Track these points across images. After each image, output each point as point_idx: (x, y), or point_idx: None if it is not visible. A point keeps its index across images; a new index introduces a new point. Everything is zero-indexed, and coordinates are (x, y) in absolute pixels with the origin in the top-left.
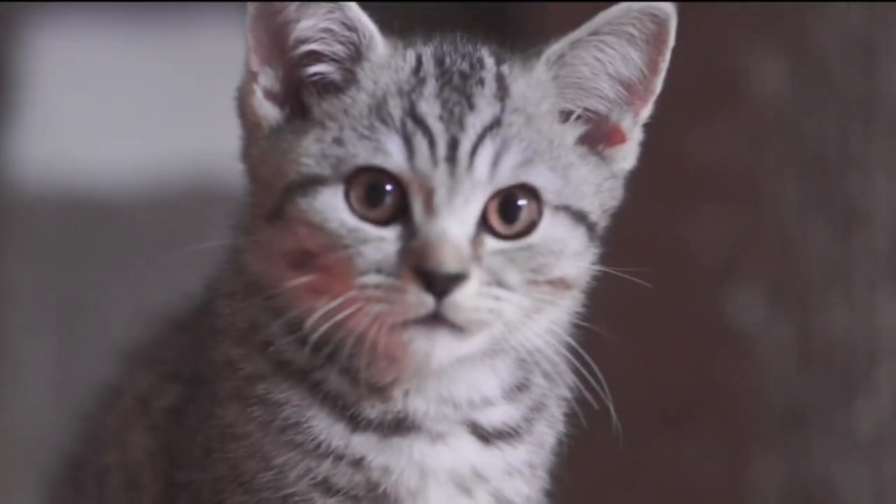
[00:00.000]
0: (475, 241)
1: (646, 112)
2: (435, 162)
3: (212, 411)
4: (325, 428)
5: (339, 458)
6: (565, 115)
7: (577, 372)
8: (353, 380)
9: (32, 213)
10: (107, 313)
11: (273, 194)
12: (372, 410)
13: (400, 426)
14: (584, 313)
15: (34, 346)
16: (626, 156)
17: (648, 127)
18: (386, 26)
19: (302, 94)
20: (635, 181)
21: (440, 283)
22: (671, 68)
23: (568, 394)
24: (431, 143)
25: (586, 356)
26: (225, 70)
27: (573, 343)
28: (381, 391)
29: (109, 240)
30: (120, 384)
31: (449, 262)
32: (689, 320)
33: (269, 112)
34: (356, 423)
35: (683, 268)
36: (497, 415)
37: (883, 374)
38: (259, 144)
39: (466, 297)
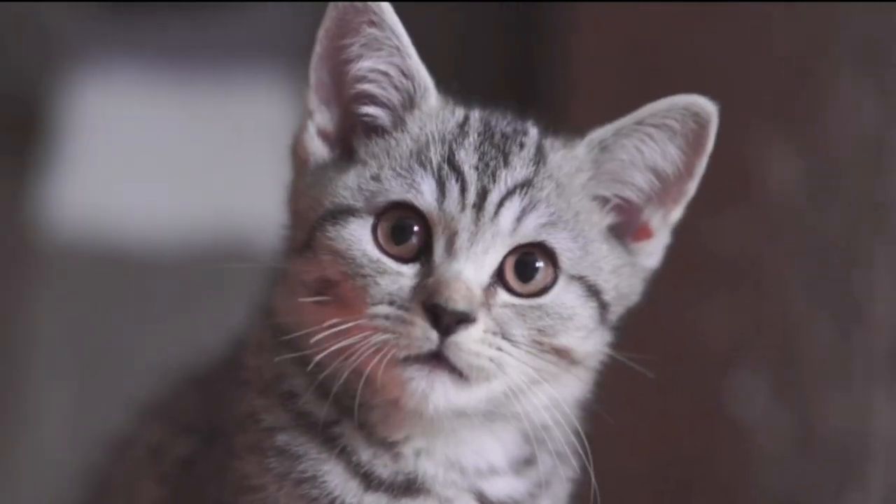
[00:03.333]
0: (488, 290)
1: (676, 214)
2: (463, 206)
3: (228, 464)
4: (340, 483)
5: None
6: (599, 202)
7: (579, 453)
8: (369, 435)
9: (62, 259)
10: (128, 364)
11: (306, 226)
12: (384, 469)
13: (410, 488)
14: (592, 398)
15: (54, 391)
16: (651, 253)
17: None
18: (443, 84)
19: (352, 139)
20: None
21: (446, 319)
22: None
23: (574, 475)
24: (463, 189)
25: (584, 439)
26: (259, 132)
27: (578, 427)
28: (392, 448)
29: (136, 291)
30: (133, 434)
31: (457, 299)
32: (691, 405)
33: (317, 149)
34: (369, 481)
35: (688, 354)
36: (502, 486)
37: (875, 471)
38: (303, 179)
39: (469, 340)
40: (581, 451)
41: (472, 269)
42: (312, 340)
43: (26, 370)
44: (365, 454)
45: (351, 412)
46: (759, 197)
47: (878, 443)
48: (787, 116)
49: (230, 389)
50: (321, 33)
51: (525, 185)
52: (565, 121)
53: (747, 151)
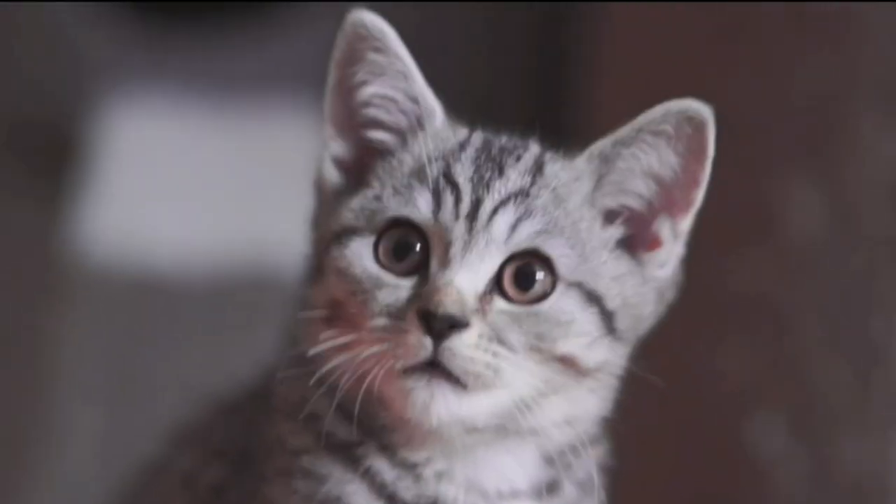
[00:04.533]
0: (484, 298)
1: (685, 224)
2: (456, 217)
3: (257, 490)
4: None
5: None
6: (606, 214)
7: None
8: (392, 456)
9: (93, 284)
10: (157, 389)
11: (319, 252)
12: (407, 492)
13: None
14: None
15: (83, 416)
16: (663, 263)
17: (686, 252)
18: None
19: (366, 166)
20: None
21: (437, 324)
22: (708, 198)
23: None
24: (457, 200)
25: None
26: (292, 161)
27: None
28: (414, 470)
29: (166, 317)
30: (164, 460)
31: (447, 304)
32: (709, 445)
33: (332, 177)
34: (393, 503)
35: (706, 393)
36: None
37: None
38: (322, 208)
39: (463, 345)
40: (602, 485)
41: (465, 276)
42: (309, 353)
43: (56, 394)
44: (389, 475)
45: (374, 434)
46: (779, 237)
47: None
48: (809, 156)
49: (261, 416)
50: (332, 64)
51: (520, 194)
52: (591, 130)
53: (769, 190)
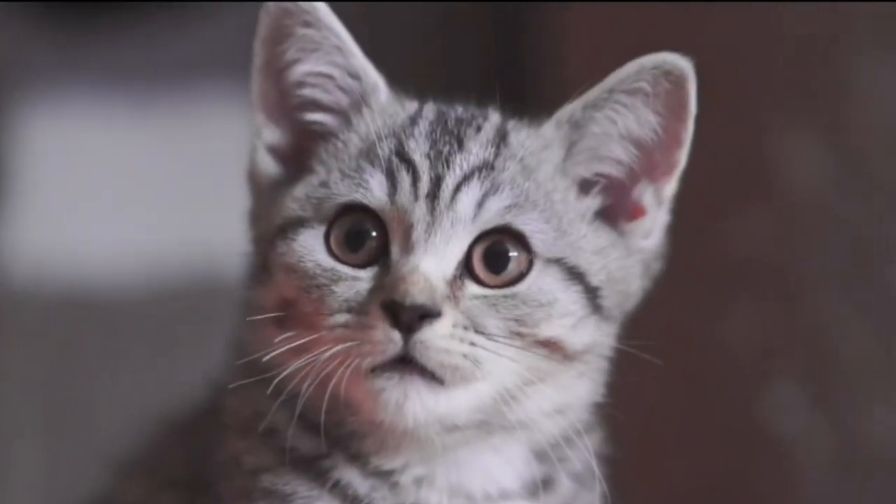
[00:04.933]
0: (454, 283)
1: (669, 189)
2: (416, 197)
3: None
4: None
5: None
6: (580, 183)
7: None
8: (364, 466)
9: (20, 306)
10: (96, 414)
11: (263, 249)
12: (384, 502)
13: None
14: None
15: (20, 451)
16: (648, 232)
17: (681, 216)
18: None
19: (307, 152)
20: (666, 273)
21: (406, 316)
22: (704, 156)
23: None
24: (415, 180)
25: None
26: (224, 159)
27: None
28: (390, 479)
29: (103, 335)
30: (110, 493)
31: (415, 293)
32: (723, 421)
33: (268, 167)
34: None
35: (717, 366)
36: None
37: None
38: (260, 202)
39: (436, 336)
40: (601, 475)
41: (431, 261)
42: (264, 359)
43: None
44: (362, 488)
45: (341, 443)
46: (782, 192)
47: None
48: (806, 104)
49: (212, 435)
50: (257, 44)
51: (483, 167)
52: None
53: (767, 144)
